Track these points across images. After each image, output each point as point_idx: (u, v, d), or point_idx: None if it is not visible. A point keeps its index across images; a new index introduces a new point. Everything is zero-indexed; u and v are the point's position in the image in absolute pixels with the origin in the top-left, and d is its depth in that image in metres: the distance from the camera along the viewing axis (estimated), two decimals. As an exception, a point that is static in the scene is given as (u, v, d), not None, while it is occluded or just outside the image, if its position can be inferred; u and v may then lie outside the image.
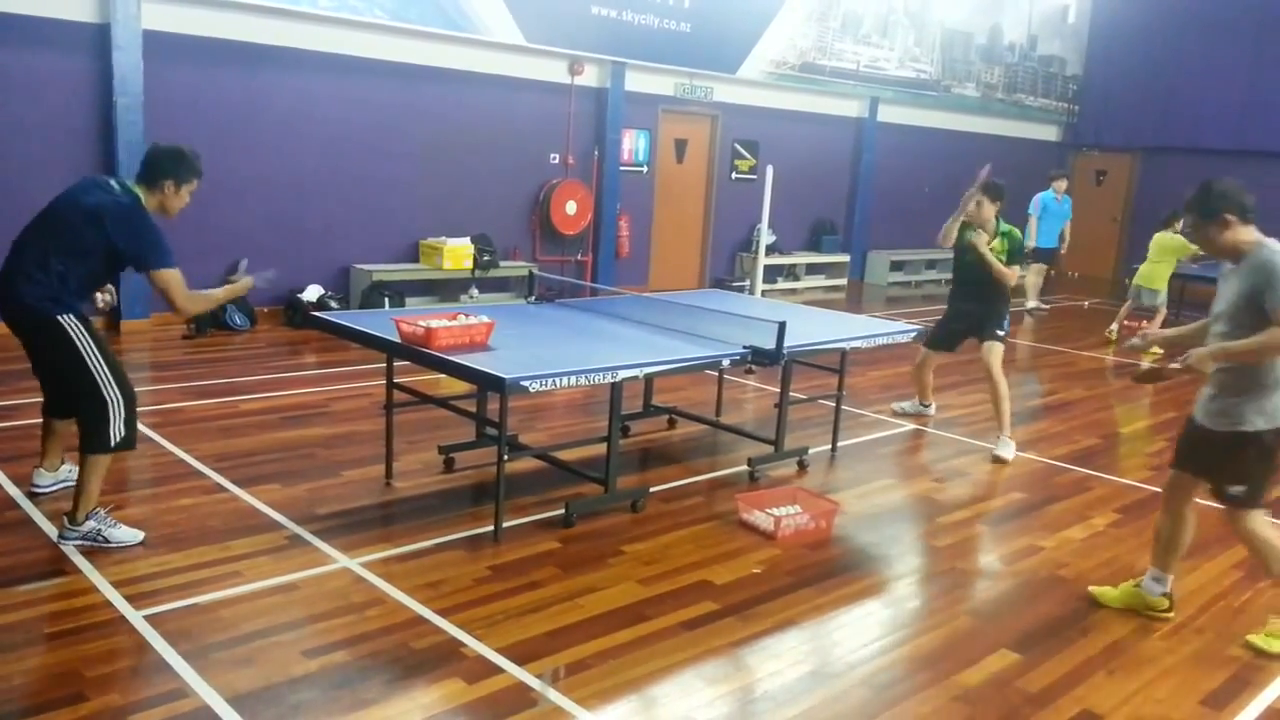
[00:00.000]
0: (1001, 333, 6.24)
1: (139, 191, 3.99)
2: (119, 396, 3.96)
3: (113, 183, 4.00)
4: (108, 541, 3.99)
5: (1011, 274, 6.13)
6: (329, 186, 9.24)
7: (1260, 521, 3.76)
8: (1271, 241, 3.60)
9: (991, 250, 6.08)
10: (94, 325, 4.01)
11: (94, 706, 2.94)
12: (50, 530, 4.10)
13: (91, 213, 3.87)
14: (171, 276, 3.96)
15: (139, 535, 4.08)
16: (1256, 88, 15.01)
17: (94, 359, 3.91)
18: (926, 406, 7.00)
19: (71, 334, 3.88)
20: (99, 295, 4.35)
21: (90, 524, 3.99)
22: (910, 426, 6.74)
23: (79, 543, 3.97)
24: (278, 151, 8.89)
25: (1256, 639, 3.81)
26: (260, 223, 8.82)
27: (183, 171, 4.05)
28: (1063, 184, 12.02)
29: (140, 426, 5.58)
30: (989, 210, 6.14)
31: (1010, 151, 15.78)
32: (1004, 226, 6.20)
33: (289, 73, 8.82)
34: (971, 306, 6.35)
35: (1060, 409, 7.56)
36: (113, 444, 3.96)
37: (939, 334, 6.67)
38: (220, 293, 4.36)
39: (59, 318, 3.86)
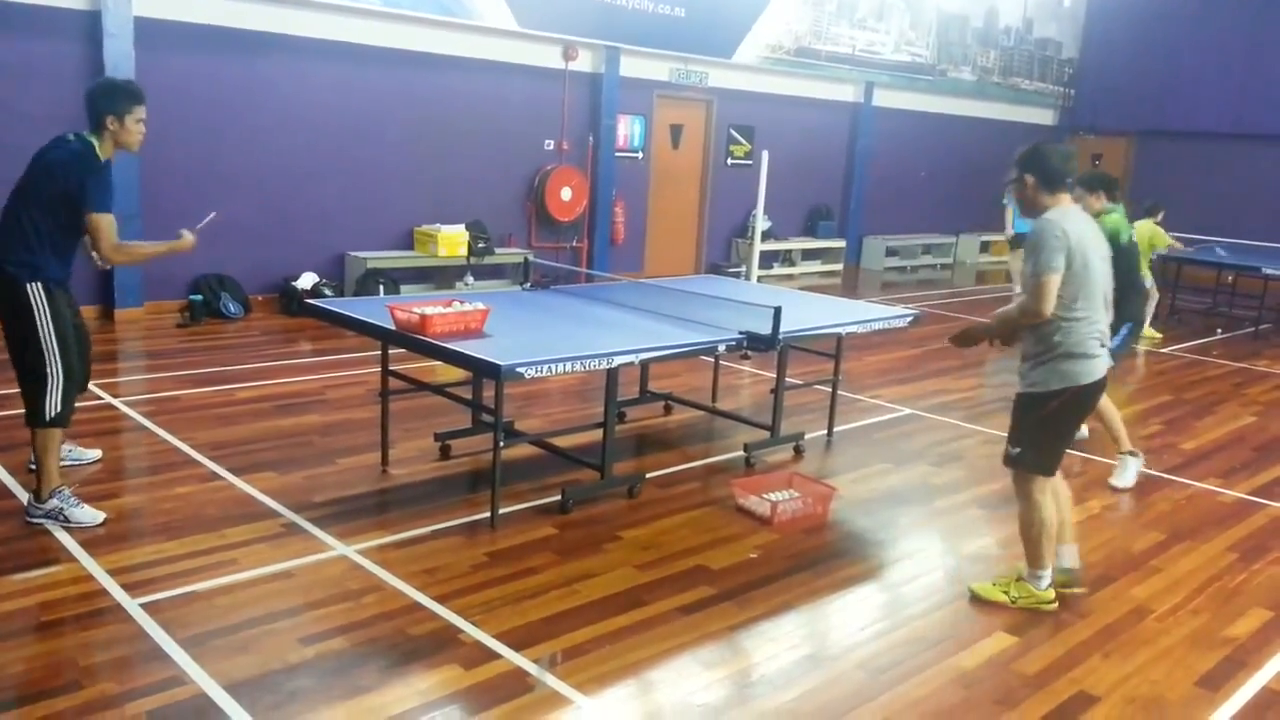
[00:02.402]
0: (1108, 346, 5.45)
1: (93, 140, 3.98)
2: (60, 372, 3.98)
3: (70, 135, 4.00)
4: (68, 521, 4.04)
5: None
6: (323, 174, 9.20)
7: (1041, 489, 3.77)
8: (1054, 211, 3.63)
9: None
10: (59, 299, 4.00)
11: (90, 694, 2.94)
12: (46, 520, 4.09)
13: (47, 166, 3.92)
14: (105, 220, 3.93)
15: (100, 516, 4.12)
16: (1253, 70, 14.99)
17: (46, 331, 3.93)
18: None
19: (32, 301, 3.90)
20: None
21: (53, 502, 4.04)
22: (906, 411, 6.74)
23: (43, 520, 4.03)
24: (271, 138, 8.84)
25: (979, 587, 3.94)
26: (254, 210, 8.79)
27: (118, 101, 4.00)
28: None
29: (136, 415, 5.62)
30: (1092, 204, 5.51)
31: (1006, 136, 15.77)
32: (1111, 209, 5.59)
33: (282, 59, 8.77)
34: None
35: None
36: (47, 418, 3.99)
37: None
38: (154, 247, 4.29)
39: (26, 284, 3.89)
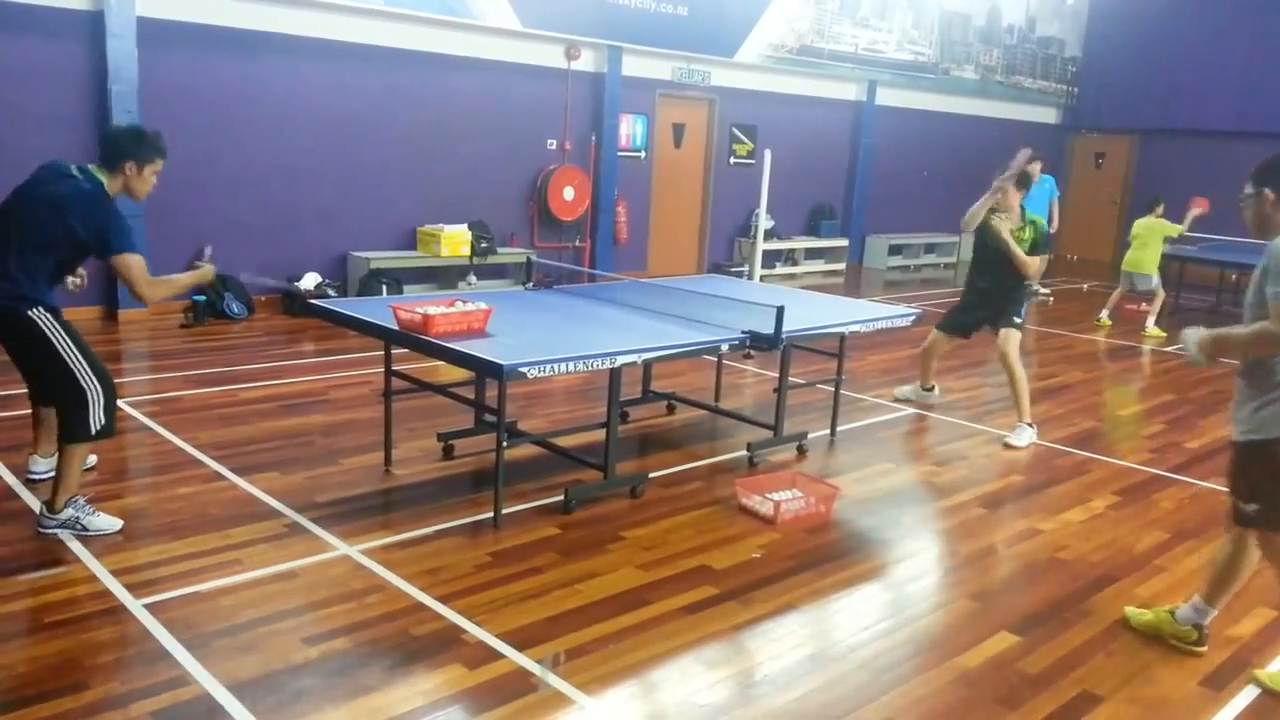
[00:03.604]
0: (1019, 320, 6.17)
1: (102, 177, 3.90)
2: (97, 385, 3.91)
3: (74, 169, 3.90)
4: (86, 530, 3.96)
5: (1032, 263, 6.07)
6: (325, 173, 9.21)
7: None
8: None
9: (1016, 239, 6.02)
10: (64, 316, 3.94)
11: (95, 695, 2.95)
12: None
13: (54, 203, 3.79)
14: (133, 261, 3.86)
15: (118, 523, 4.05)
16: (1257, 68, 14.95)
17: (68, 350, 3.86)
18: (929, 391, 6.94)
19: (44, 327, 3.82)
20: (69, 279, 4.23)
21: (69, 512, 3.96)
22: (910, 411, 6.74)
23: (57, 530, 3.95)
24: (273, 138, 8.86)
25: (1264, 675, 3.44)
26: (256, 210, 8.80)
27: (143, 152, 3.94)
28: (1037, 166, 11.91)
29: (139, 415, 5.63)
30: (1014, 198, 6.08)
31: (1009, 134, 15.73)
32: (1030, 215, 6.17)
33: (284, 59, 8.79)
34: (990, 294, 6.29)
35: (1059, 392, 7.56)
36: (94, 432, 3.92)
37: (953, 319, 6.64)
38: (184, 278, 4.27)
39: (29, 313, 3.80)
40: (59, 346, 3.85)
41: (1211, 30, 15.31)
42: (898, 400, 6.94)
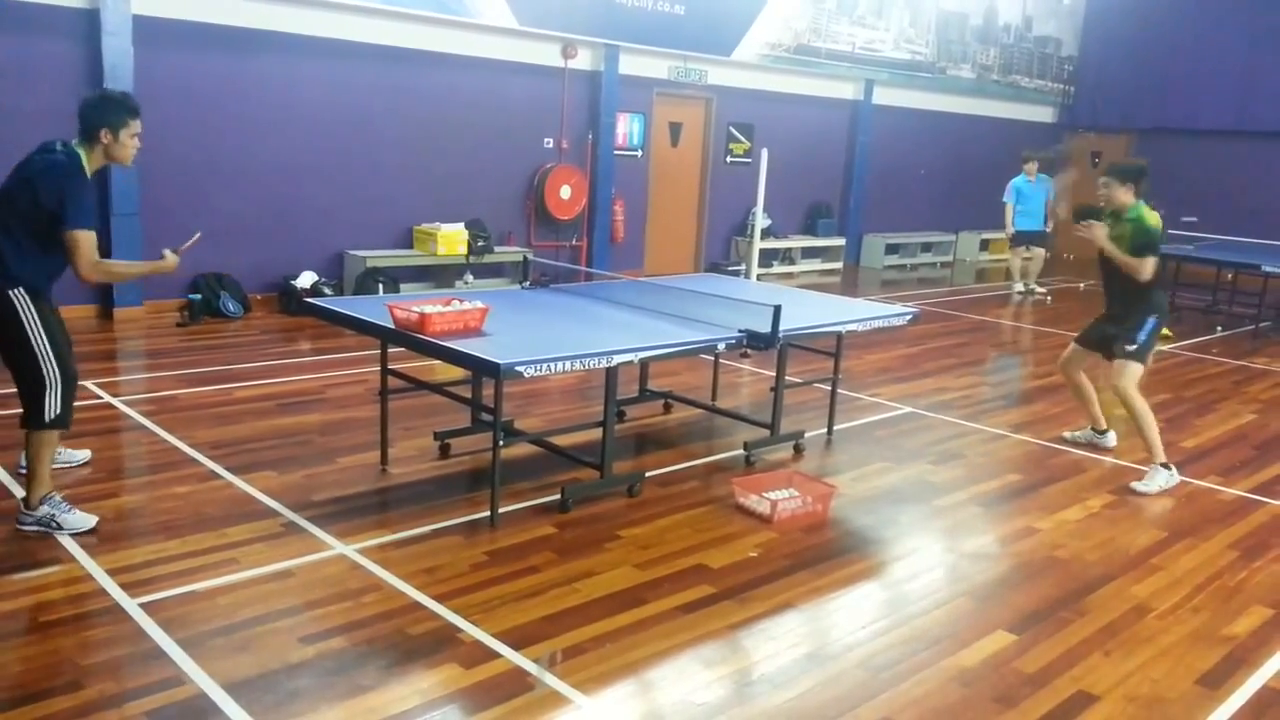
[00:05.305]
0: (1131, 348, 5.34)
1: (81, 151, 3.90)
2: (58, 374, 3.92)
3: (58, 144, 3.90)
4: (60, 527, 3.96)
5: (1140, 265, 5.21)
6: (322, 172, 9.19)
7: None
8: None
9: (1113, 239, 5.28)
10: (45, 303, 3.94)
11: (90, 694, 2.94)
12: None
13: (27, 176, 3.83)
14: (83, 238, 3.84)
15: (92, 520, 4.04)
16: (1253, 67, 14.97)
17: (38, 335, 3.87)
18: (1103, 435, 5.99)
19: (19, 308, 3.83)
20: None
21: (44, 509, 3.97)
22: (907, 410, 6.73)
23: (33, 528, 3.96)
24: (270, 137, 8.84)
25: None
26: (253, 209, 8.79)
27: (112, 115, 3.92)
28: (1034, 166, 11.97)
29: (135, 414, 5.61)
30: (1121, 195, 5.32)
31: (1006, 133, 15.78)
32: (1133, 210, 5.31)
33: (281, 57, 8.77)
34: (1113, 310, 5.59)
35: (1056, 391, 7.56)
36: (47, 419, 3.91)
37: (1087, 330, 5.83)
38: (137, 267, 4.23)
39: (9, 292, 3.82)
40: (29, 330, 3.86)
41: (1209, 28, 15.32)
42: (1066, 442, 6.10)
